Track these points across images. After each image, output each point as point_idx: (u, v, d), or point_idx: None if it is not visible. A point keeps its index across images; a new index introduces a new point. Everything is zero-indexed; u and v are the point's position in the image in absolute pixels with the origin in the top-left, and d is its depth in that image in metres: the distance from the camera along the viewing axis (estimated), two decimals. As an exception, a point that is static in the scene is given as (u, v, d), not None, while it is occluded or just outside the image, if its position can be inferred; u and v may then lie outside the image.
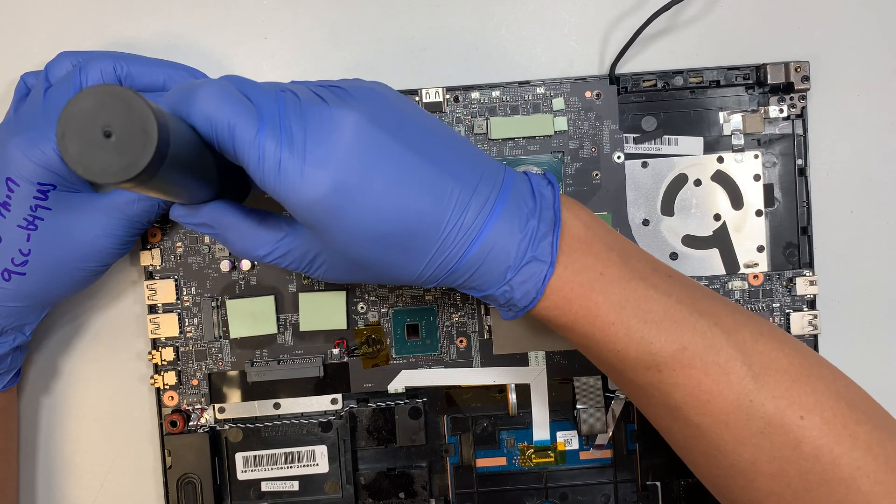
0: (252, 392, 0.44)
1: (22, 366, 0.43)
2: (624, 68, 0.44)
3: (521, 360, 0.44)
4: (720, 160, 0.43)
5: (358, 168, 0.30)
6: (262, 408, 0.44)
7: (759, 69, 0.43)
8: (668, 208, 0.44)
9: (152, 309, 0.44)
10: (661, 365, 0.33)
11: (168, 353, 0.44)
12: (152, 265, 0.44)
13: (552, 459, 0.45)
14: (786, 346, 0.34)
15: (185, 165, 0.29)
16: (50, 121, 0.37)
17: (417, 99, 0.43)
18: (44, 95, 0.38)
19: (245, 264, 0.44)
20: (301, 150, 0.30)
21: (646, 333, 0.33)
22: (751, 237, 0.44)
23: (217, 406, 0.44)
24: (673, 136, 0.44)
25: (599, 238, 0.34)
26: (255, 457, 0.44)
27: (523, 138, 0.43)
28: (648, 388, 0.34)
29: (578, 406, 0.44)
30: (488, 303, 0.36)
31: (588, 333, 0.34)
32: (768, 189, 0.44)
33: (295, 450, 0.44)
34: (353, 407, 0.44)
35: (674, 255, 0.44)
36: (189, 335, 0.44)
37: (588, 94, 0.43)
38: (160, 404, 0.44)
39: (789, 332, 0.43)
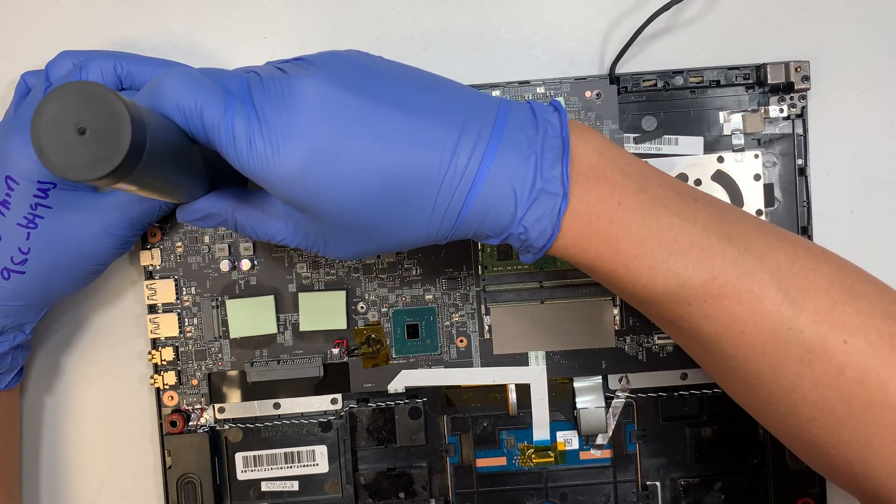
0: (252, 392, 0.44)
1: (24, 365, 0.43)
2: (624, 68, 0.44)
3: (521, 360, 0.44)
4: (720, 160, 0.43)
5: (328, 133, 0.29)
6: (262, 408, 0.44)
7: (759, 69, 0.43)
8: (668, 208, 0.44)
9: (152, 309, 0.44)
10: (689, 298, 0.32)
11: (168, 353, 0.44)
12: (152, 265, 0.44)
13: (552, 459, 0.45)
14: (825, 265, 0.32)
15: (168, 158, 0.29)
16: None
17: (417, 99, 0.43)
18: (44, 94, 0.38)
19: (245, 264, 0.44)
20: (268, 123, 0.29)
21: (671, 265, 0.31)
22: (751, 237, 0.44)
23: (217, 406, 0.44)
24: (673, 136, 0.44)
25: (615, 164, 0.32)
26: (255, 457, 0.44)
27: (523, 138, 0.43)
28: (679, 322, 0.33)
29: (578, 406, 0.44)
30: (512, 244, 0.34)
31: (611, 270, 0.32)
32: (768, 189, 0.44)
33: (295, 450, 0.44)
34: (353, 407, 0.44)
35: (674, 255, 0.44)
36: (189, 335, 0.44)
37: (588, 93, 0.43)
38: (160, 404, 0.44)
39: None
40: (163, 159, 0.28)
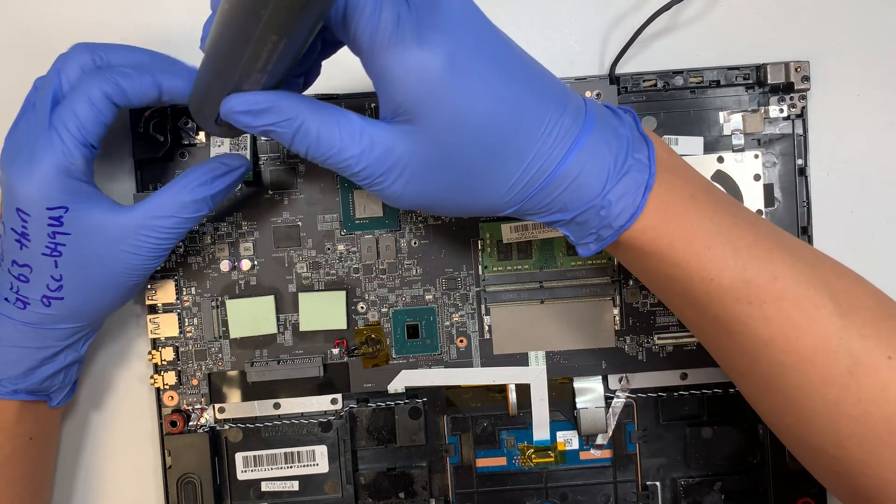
0: (252, 392, 0.44)
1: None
2: (624, 68, 0.44)
3: (521, 360, 0.44)
4: (720, 160, 0.43)
5: (471, 42, 0.29)
6: (262, 408, 0.44)
7: (759, 69, 0.43)
8: (668, 208, 0.44)
9: (152, 309, 0.44)
10: (752, 296, 0.32)
11: (168, 353, 0.44)
12: (152, 265, 0.44)
13: (552, 459, 0.45)
14: (865, 286, 0.33)
15: (314, 15, 0.26)
16: (42, 134, 0.35)
17: (417, 99, 0.43)
18: (32, 108, 0.37)
19: (245, 264, 0.44)
20: (417, 12, 0.28)
21: (739, 260, 0.32)
22: (751, 237, 0.44)
23: (217, 406, 0.44)
24: (673, 136, 0.43)
25: (681, 164, 0.34)
26: (255, 457, 0.44)
27: (523, 138, 0.43)
28: (735, 324, 0.33)
29: (578, 406, 0.44)
30: (567, 234, 0.34)
31: (681, 260, 0.32)
32: (768, 189, 0.44)
33: (295, 450, 0.44)
34: (353, 407, 0.44)
35: (674, 255, 0.44)
36: (189, 335, 0.44)
37: (588, 93, 0.43)
38: (160, 404, 0.44)
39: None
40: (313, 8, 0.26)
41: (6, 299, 0.37)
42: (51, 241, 0.36)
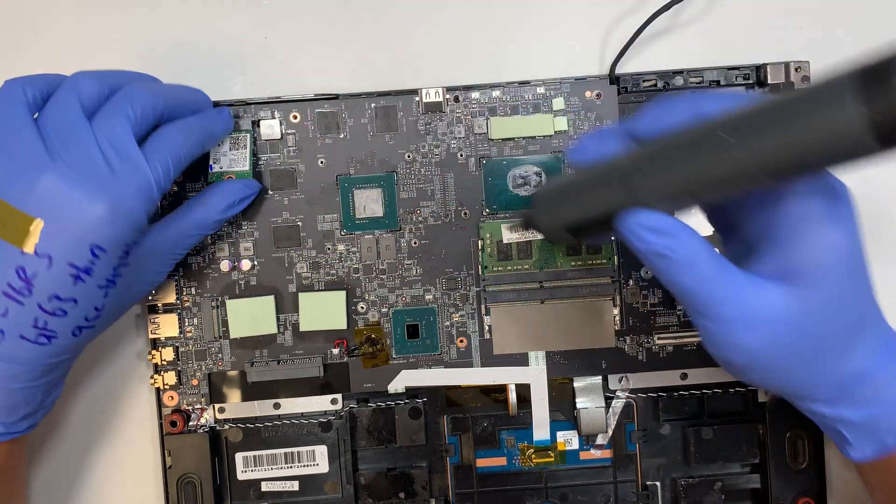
0: (252, 392, 0.44)
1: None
2: (624, 68, 0.44)
3: (521, 360, 0.44)
4: (720, 160, 0.43)
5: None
6: (262, 408, 0.44)
7: (759, 69, 0.43)
8: (668, 208, 0.44)
9: (152, 309, 0.44)
10: None
11: (168, 353, 0.44)
12: (152, 265, 0.44)
13: (552, 459, 0.45)
14: None
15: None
16: (132, 165, 0.33)
17: (417, 99, 0.43)
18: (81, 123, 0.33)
19: (245, 264, 0.44)
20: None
21: None
22: (751, 237, 0.44)
23: (217, 406, 0.44)
24: (673, 136, 0.43)
25: None
26: (255, 457, 0.44)
27: (523, 138, 0.43)
28: None
29: (578, 406, 0.44)
30: (838, 431, 0.33)
31: None
32: (768, 189, 0.44)
33: (295, 450, 0.44)
34: (353, 407, 0.44)
35: (674, 255, 0.44)
36: (189, 335, 0.44)
37: (588, 94, 0.43)
38: (160, 404, 0.44)
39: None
40: None
41: (23, 337, 0.34)
42: (113, 275, 0.34)
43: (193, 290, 0.44)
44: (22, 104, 0.33)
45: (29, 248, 0.32)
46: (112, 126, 0.33)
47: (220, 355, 0.44)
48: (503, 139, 0.43)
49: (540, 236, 0.43)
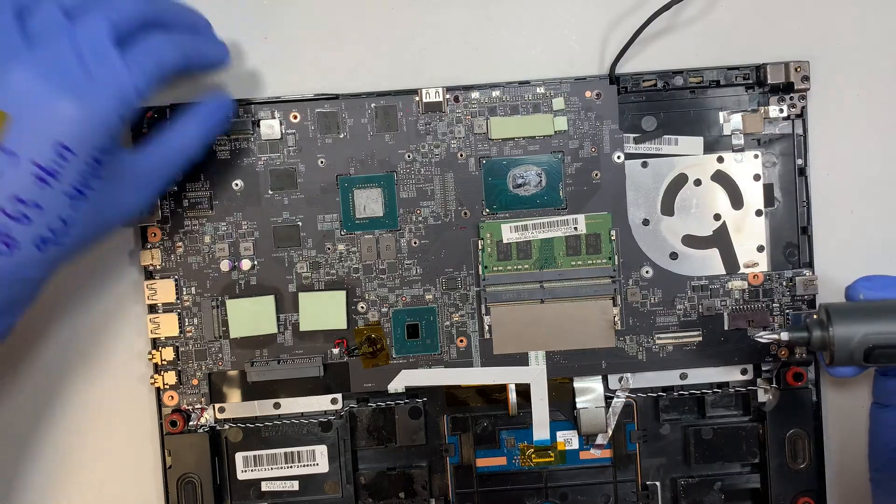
0: (252, 392, 0.44)
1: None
2: (624, 68, 0.44)
3: (521, 360, 0.44)
4: (720, 160, 0.43)
5: None
6: (262, 408, 0.44)
7: (759, 69, 0.43)
8: (668, 208, 0.44)
9: (152, 309, 0.44)
10: None
11: (168, 353, 0.44)
12: (152, 265, 0.44)
13: (552, 459, 0.45)
14: None
15: None
16: (109, 63, 0.32)
17: (417, 99, 0.43)
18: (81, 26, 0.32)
19: (245, 264, 0.44)
20: None
21: None
22: (751, 237, 0.44)
23: (217, 406, 0.44)
24: (673, 136, 0.44)
25: None
26: (255, 457, 0.44)
27: (523, 138, 0.43)
28: None
29: (578, 406, 0.44)
30: None
31: None
32: (768, 189, 0.44)
33: (295, 450, 0.44)
34: (353, 407, 0.44)
35: (674, 255, 0.44)
36: (189, 335, 0.44)
37: (588, 93, 0.43)
38: (160, 404, 0.44)
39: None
40: None
41: None
42: (81, 185, 0.33)
43: (193, 289, 0.44)
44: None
45: None
46: (90, 25, 0.33)
47: (220, 355, 0.44)
48: (503, 139, 0.43)
49: (540, 236, 0.43)
